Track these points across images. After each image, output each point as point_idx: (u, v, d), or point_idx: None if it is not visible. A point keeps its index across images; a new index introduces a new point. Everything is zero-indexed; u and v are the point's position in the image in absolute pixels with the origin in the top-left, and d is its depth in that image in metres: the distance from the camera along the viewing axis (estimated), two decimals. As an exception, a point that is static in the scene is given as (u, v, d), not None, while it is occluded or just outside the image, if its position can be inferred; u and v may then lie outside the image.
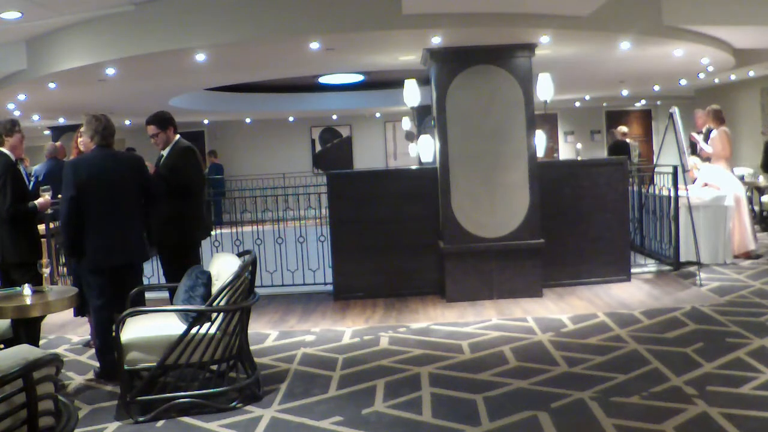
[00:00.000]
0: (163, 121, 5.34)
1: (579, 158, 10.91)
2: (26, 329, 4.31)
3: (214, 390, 4.11)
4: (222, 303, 3.99)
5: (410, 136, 13.41)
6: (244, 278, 4.11)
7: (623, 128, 12.99)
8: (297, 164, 17.92)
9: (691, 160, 8.21)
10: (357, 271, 7.10)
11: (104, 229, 4.64)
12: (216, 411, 4.07)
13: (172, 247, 5.28)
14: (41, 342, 5.00)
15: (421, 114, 9.85)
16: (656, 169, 8.38)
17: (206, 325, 3.98)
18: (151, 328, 4.12)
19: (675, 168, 7.55)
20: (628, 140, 12.88)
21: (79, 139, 5.58)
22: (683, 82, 12.61)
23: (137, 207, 4.84)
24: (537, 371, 4.56)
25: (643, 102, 17.34)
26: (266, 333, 5.86)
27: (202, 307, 4.00)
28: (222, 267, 4.38)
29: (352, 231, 7.09)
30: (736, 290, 6.53)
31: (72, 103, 9.99)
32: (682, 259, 7.66)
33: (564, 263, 7.14)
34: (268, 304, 6.92)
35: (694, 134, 8.88)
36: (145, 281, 5.58)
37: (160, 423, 3.94)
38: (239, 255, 4.61)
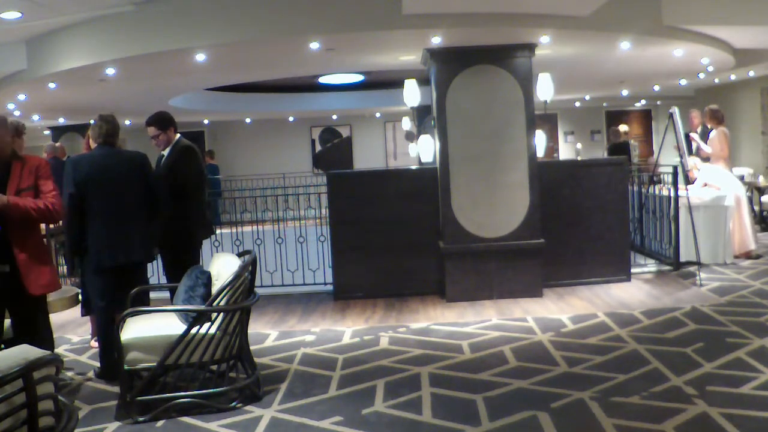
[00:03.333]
0: (163, 121, 5.31)
1: (579, 158, 10.92)
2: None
3: (214, 390, 4.10)
4: (222, 303, 3.99)
5: (410, 136, 13.42)
6: (244, 278, 4.11)
7: (624, 127, 12.93)
8: (297, 164, 17.92)
9: (692, 160, 8.21)
10: (357, 271, 7.10)
11: (106, 227, 4.61)
12: (216, 411, 4.07)
13: (172, 247, 5.27)
14: (41, 342, 4.99)
15: (421, 114, 9.85)
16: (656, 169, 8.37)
17: (206, 325, 3.98)
18: (151, 328, 4.12)
19: (675, 168, 7.55)
20: (628, 140, 12.85)
21: (90, 140, 5.60)
22: (683, 82, 12.61)
23: (141, 205, 4.76)
24: (537, 371, 4.56)
25: (643, 102, 17.34)
26: (266, 333, 5.87)
27: (202, 307, 4.00)
28: (222, 267, 4.37)
29: (352, 231, 7.08)
30: (736, 290, 6.53)
31: (72, 103, 9.99)
32: (682, 259, 7.66)
33: (564, 263, 7.14)
34: (268, 304, 6.91)
35: (693, 134, 8.88)
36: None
37: (160, 423, 3.94)
38: (239, 255, 4.61)
